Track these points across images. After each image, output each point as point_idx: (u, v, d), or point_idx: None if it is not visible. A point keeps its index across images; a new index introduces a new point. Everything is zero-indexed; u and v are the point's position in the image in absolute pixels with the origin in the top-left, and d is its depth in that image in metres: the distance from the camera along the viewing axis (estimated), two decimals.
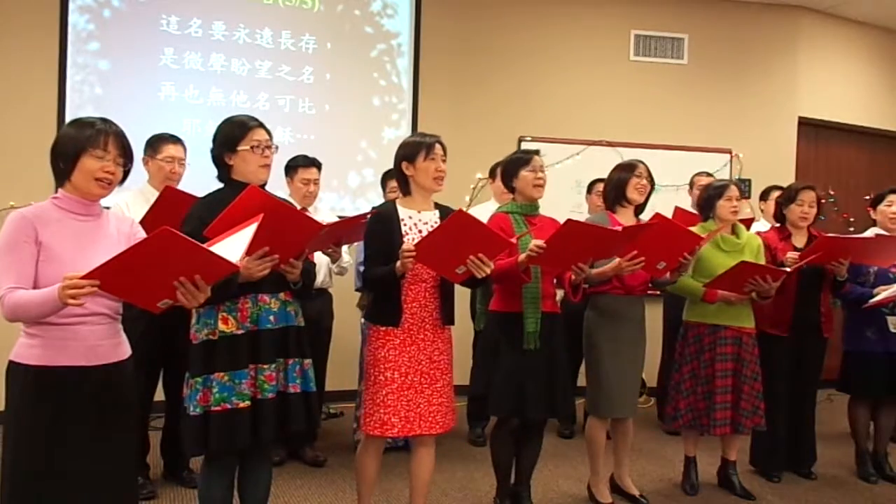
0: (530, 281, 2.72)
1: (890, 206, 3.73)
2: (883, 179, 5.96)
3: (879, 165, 6.47)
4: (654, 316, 3.43)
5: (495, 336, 2.84)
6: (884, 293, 3.47)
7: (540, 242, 2.55)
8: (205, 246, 1.74)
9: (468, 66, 5.36)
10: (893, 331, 3.61)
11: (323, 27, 5.03)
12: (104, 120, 1.94)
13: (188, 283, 1.71)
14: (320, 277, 3.67)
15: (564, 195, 5.06)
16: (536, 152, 2.93)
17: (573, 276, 2.77)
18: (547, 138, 5.31)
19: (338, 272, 3.66)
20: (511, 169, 2.91)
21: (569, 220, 2.52)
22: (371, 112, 5.15)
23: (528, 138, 5.37)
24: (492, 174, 4.31)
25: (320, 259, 3.64)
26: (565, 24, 5.58)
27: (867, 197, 3.97)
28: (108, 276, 1.62)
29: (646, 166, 3.16)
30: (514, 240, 2.54)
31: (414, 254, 2.32)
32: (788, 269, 3.21)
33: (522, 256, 2.62)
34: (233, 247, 1.77)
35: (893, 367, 3.61)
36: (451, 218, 2.32)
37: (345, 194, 5.07)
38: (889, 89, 6.38)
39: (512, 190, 2.95)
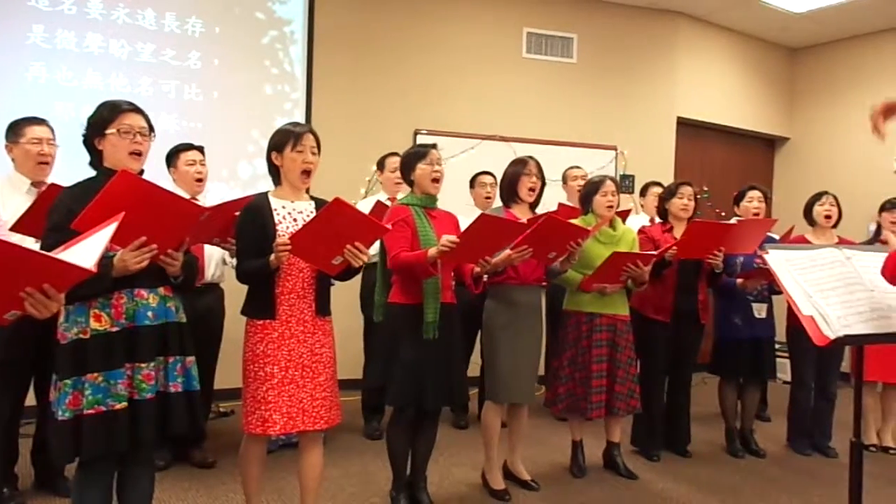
0: (438, 274, 2.74)
1: (751, 202, 4.05)
2: (753, 178, 6.41)
3: (750, 164, 6.98)
4: None
5: (395, 328, 2.84)
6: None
7: (453, 237, 2.60)
8: (53, 253, 1.60)
9: (364, 56, 5.31)
10: (758, 317, 3.92)
11: (210, 10, 4.82)
12: None
13: (36, 292, 1.55)
14: (210, 271, 3.53)
15: (460, 189, 5.11)
16: (434, 146, 2.96)
17: (477, 269, 2.85)
18: (442, 132, 5.36)
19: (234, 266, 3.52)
20: (409, 162, 2.95)
21: (483, 215, 2.61)
22: (263, 100, 5.00)
23: (424, 131, 5.40)
24: (379, 166, 4.30)
25: (212, 252, 3.49)
26: (461, 20, 5.65)
27: (735, 194, 4.26)
28: None
29: (537, 162, 3.27)
30: (389, 225, 2.52)
31: (289, 247, 2.27)
32: (655, 253, 3.41)
33: (433, 251, 2.65)
34: (88, 249, 1.63)
35: (757, 351, 3.93)
36: (329, 207, 2.25)
37: (235, 185, 4.89)
38: (756, 94, 6.90)
39: (410, 183, 2.98)
